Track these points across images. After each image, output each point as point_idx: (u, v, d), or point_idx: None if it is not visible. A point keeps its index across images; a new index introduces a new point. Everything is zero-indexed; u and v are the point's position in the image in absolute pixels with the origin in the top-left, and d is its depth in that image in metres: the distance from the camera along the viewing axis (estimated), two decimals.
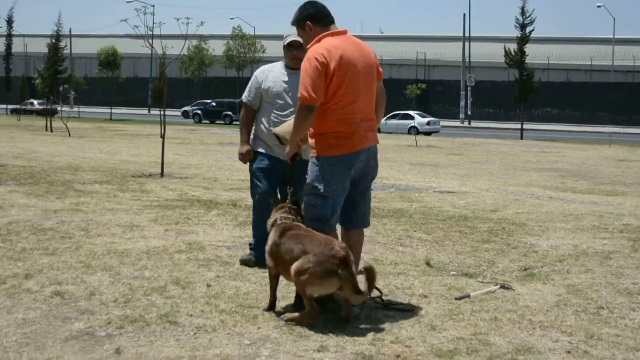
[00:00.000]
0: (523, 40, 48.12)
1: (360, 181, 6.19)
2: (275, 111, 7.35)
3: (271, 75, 7.45)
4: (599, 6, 69.91)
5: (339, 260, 5.34)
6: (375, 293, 5.85)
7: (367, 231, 6.67)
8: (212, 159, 21.46)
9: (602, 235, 9.39)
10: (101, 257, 7.43)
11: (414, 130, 50.14)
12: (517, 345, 5.15)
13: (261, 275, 6.83)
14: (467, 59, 63.83)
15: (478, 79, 64.25)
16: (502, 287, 6.76)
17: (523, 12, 48.09)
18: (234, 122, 59.23)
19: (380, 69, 6.30)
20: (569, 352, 5.09)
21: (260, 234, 7.17)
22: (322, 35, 6.09)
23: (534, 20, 48.03)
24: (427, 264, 7.91)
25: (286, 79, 7.36)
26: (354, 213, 6.27)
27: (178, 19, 18.76)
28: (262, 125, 7.46)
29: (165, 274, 6.86)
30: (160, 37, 19.47)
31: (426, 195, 14.05)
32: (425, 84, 59.56)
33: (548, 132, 56.06)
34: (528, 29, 47.99)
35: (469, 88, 61.81)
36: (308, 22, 6.20)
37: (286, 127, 6.71)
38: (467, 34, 63.36)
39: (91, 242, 8.16)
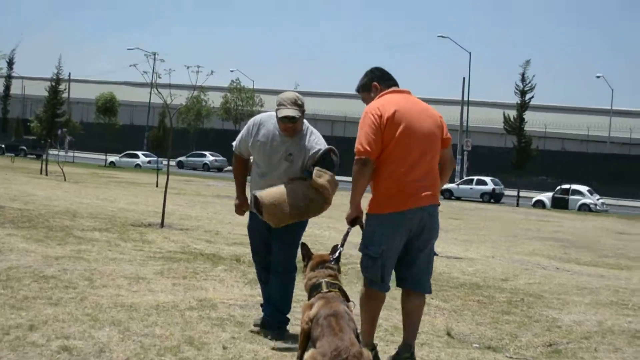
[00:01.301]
0: (522, 107, 48.27)
1: (415, 241, 5.94)
2: (258, 175, 6.93)
3: (263, 130, 6.85)
4: (597, 76, 70.20)
5: None
6: None
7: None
8: (212, 212, 21.09)
9: (624, 312, 9.05)
10: (108, 311, 7.04)
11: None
12: None
13: (278, 343, 6.49)
14: (464, 123, 63.85)
15: (474, 144, 64.21)
16: None
17: (523, 79, 48.31)
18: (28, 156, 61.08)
19: (449, 135, 6.15)
20: None
21: (266, 295, 7.07)
22: (383, 93, 6.05)
23: (534, 87, 48.27)
24: (448, 334, 7.56)
25: (277, 140, 6.75)
26: (409, 273, 6.02)
27: (188, 67, 18.50)
28: (253, 181, 7.07)
29: (178, 332, 6.47)
30: (168, 86, 19.16)
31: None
32: None
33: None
34: (528, 96, 48.14)
35: (465, 152, 61.71)
36: (375, 83, 6.17)
37: (273, 193, 6.47)
38: (465, 98, 63.47)
39: (96, 294, 7.77)
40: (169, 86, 18.06)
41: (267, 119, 6.91)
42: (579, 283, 11.85)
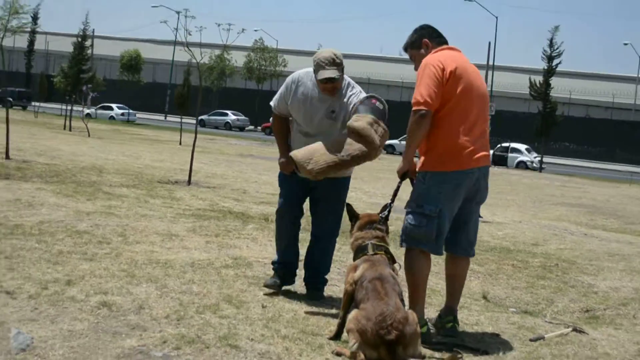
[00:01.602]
0: (549, 72, 47.76)
1: (469, 203, 5.78)
2: (300, 134, 6.65)
3: (302, 88, 6.56)
4: (625, 44, 69.50)
5: (382, 341, 4.81)
6: None
7: None
8: (237, 170, 21.03)
9: None
10: (144, 267, 6.99)
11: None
12: None
13: (315, 302, 6.46)
14: (489, 88, 63.33)
15: (499, 109, 63.74)
16: (575, 330, 6.31)
17: (551, 44, 47.73)
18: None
19: None
20: None
21: (283, 254, 6.83)
22: (437, 50, 5.83)
23: (561, 52, 47.75)
24: (485, 297, 7.47)
25: (317, 98, 6.46)
26: (461, 237, 5.86)
27: (219, 25, 18.32)
28: (294, 140, 6.73)
29: (215, 290, 6.42)
30: (197, 44, 18.98)
31: None
32: None
33: (566, 166, 55.59)
34: (555, 62, 47.61)
35: (489, 117, 61.34)
36: (425, 40, 5.95)
37: (307, 153, 6.18)
38: (491, 63, 62.90)
39: (131, 250, 7.72)
40: (200, 45, 17.86)
41: (305, 76, 6.61)
42: (610, 249, 11.72)
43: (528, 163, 49.90)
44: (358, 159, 6.10)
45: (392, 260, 5.53)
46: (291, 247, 6.87)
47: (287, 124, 6.81)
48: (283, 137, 6.82)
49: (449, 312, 5.88)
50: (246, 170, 21.45)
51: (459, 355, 5.18)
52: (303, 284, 6.88)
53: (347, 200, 6.49)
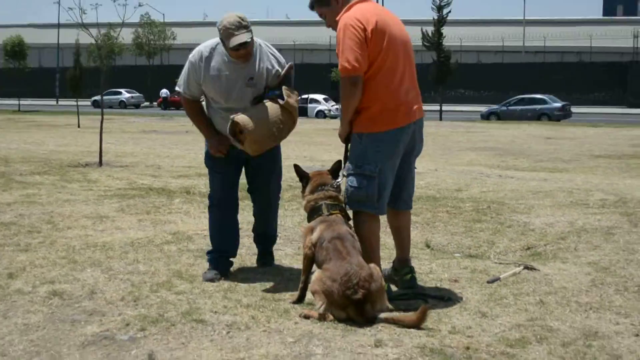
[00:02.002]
0: (440, 22, 48.23)
1: (407, 158, 5.62)
2: (221, 112, 6.11)
3: (212, 62, 6.00)
4: None
5: (350, 301, 4.77)
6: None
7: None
8: (145, 147, 20.64)
9: (590, 212, 9.09)
10: (82, 252, 6.77)
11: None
12: (582, 330, 4.76)
13: (264, 269, 6.38)
14: None
15: None
16: (526, 267, 6.37)
17: None
18: None
19: None
20: (637, 335, 4.70)
21: (221, 244, 6.29)
22: (352, 4, 5.51)
23: (450, 2, 48.14)
24: (428, 246, 7.51)
25: (231, 68, 5.97)
26: (402, 192, 5.71)
27: (115, 0, 17.80)
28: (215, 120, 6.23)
29: (162, 267, 6.26)
30: (81, 25, 18.39)
31: None
32: None
33: (465, 112, 56.41)
34: (445, 11, 48.06)
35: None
36: None
37: (249, 118, 5.82)
38: None
39: (64, 236, 7.47)
40: (97, 25, 17.35)
41: (210, 49, 6.01)
42: (531, 188, 11.89)
43: (326, 112, 51.74)
44: (286, 134, 6.12)
45: (347, 218, 5.43)
46: (232, 235, 6.40)
47: (201, 105, 6.25)
48: (203, 118, 6.23)
49: (404, 264, 5.81)
50: (154, 146, 21.08)
51: (427, 305, 5.15)
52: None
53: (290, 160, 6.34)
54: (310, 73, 69.06)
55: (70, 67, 62.88)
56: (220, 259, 6.22)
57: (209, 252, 6.30)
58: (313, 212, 5.46)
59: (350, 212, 5.51)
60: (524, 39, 68.56)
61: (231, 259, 6.32)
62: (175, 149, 19.48)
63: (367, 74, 5.32)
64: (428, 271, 6.33)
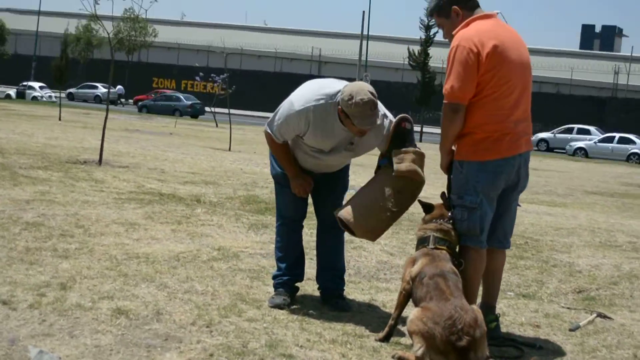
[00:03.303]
0: (427, 42, 48.18)
1: (509, 192, 5.26)
2: (309, 150, 5.68)
3: (320, 124, 5.45)
4: (497, 13, 70.57)
5: (453, 348, 4.43)
6: None
7: (387, 239, 5.64)
8: (138, 147, 20.12)
9: (629, 255, 8.87)
10: (127, 263, 6.39)
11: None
12: None
13: None
14: (363, 58, 63.56)
15: (373, 79, 64.11)
16: (599, 315, 6.09)
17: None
18: None
19: None
20: None
21: (291, 267, 5.87)
22: (471, 19, 5.16)
23: None
24: None
25: (340, 132, 5.48)
26: (499, 230, 5.32)
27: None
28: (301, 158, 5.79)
29: (220, 288, 5.90)
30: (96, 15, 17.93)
31: None
32: None
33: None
34: (432, 31, 47.99)
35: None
36: (455, 7, 5.24)
37: (353, 208, 5.41)
38: (365, 32, 63.09)
39: (100, 243, 7.07)
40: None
41: (320, 112, 5.42)
42: (549, 223, 11.65)
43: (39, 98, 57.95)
44: (411, 202, 5.58)
45: (454, 257, 5.08)
46: (300, 257, 6.04)
47: (288, 145, 5.74)
48: (290, 157, 5.75)
49: (489, 310, 5.36)
50: (147, 147, 20.58)
51: (521, 355, 4.86)
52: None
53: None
54: (291, 83, 68.90)
55: (49, 56, 62.04)
56: (288, 283, 5.84)
57: (276, 276, 5.89)
58: (420, 242, 5.13)
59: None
60: None
61: (297, 284, 5.94)
62: (170, 152, 19.03)
63: (475, 98, 5.00)
64: (503, 313, 6.00)
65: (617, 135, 47.74)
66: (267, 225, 8.57)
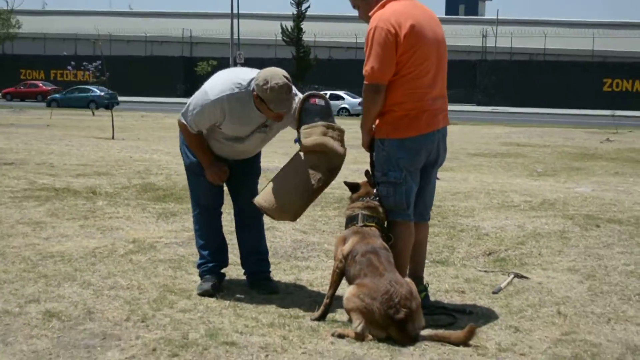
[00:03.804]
0: (299, 17, 48.33)
1: (430, 168, 5.37)
2: (223, 140, 5.67)
3: (236, 112, 5.46)
4: None
5: (392, 321, 4.54)
6: None
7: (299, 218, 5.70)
8: (21, 143, 19.43)
9: (530, 215, 9.14)
10: (45, 264, 6.24)
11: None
12: (624, 344, 4.70)
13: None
14: (235, 36, 63.14)
15: (246, 56, 63.85)
16: (517, 276, 6.30)
17: None
18: None
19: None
20: None
21: (214, 254, 5.83)
22: (387, 0, 5.21)
23: None
24: None
25: (255, 118, 5.53)
26: (421, 203, 5.42)
27: None
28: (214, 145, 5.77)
29: (145, 280, 5.84)
30: None
31: None
32: (216, 60, 58.24)
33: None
34: (304, 6, 48.18)
35: (238, 65, 61.17)
36: None
37: (272, 197, 5.43)
38: (235, 11, 62.67)
39: (9, 245, 6.88)
40: None
41: (236, 101, 5.43)
42: (444, 188, 11.86)
43: None
44: (330, 178, 5.57)
45: (383, 232, 5.15)
46: (223, 244, 6.01)
47: (202, 136, 5.69)
48: (204, 146, 5.71)
49: (418, 280, 5.41)
50: (29, 141, 19.97)
51: (454, 321, 4.99)
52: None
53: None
54: (163, 66, 68.20)
55: None
56: (214, 269, 5.81)
57: (201, 264, 5.85)
58: (349, 221, 5.19)
59: None
60: None
61: (223, 270, 5.92)
62: (54, 145, 18.54)
63: (393, 77, 5.07)
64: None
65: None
66: (176, 213, 8.50)
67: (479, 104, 64.59)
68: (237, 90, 5.43)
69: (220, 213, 6.04)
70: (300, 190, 5.43)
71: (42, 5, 77.97)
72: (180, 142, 5.92)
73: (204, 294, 5.52)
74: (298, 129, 5.50)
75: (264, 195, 5.49)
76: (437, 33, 5.28)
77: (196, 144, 5.69)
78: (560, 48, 69.78)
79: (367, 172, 5.43)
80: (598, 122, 39.88)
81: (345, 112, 45.96)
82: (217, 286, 5.65)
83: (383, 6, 5.20)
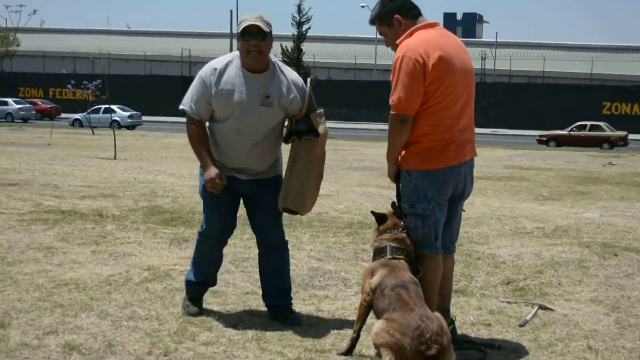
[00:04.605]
0: (300, 38, 48.40)
1: (457, 200, 5.28)
2: (232, 133, 5.58)
3: (225, 77, 5.50)
4: (362, 6, 71.13)
5: (423, 358, 4.40)
6: None
7: (311, 244, 5.64)
8: (23, 162, 19.35)
9: (545, 242, 9.02)
10: (59, 292, 6.12)
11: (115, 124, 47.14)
12: None
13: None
14: None
15: None
16: (541, 307, 6.19)
17: (300, 11, 48.36)
18: None
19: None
20: None
21: (205, 277, 5.89)
22: (415, 28, 5.14)
23: (310, 18, 48.45)
24: None
25: (247, 82, 5.50)
26: (447, 236, 5.32)
27: (8, 7, 16.77)
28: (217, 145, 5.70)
29: (163, 310, 5.72)
30: None
31: None
32: None
33: None
34: (305, 27, 48.25)
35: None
36: (397, 16, 5.21)
37: (300, 197, 5.58)
38: (234, 31, 62.72)
39: (22, 272, 6.75)
40: None
41: (223, 63, 5.53)
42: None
43: None
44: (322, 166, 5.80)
45: (412, 265, 5.04)
46: (216, 269, 6.03)
47: (206, 130, 5.68)
48: (206, 145, 5.63)
49: (445, 314, 5.27)
50: (31, 160, 19.86)
51: (484, 356, 4.88)
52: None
53: None
54: (162, 85, 68.07)
55: None
56: (201, 290, 5.94)
57: (191, 283, 5.88)
58: (376, 253, 5.08)
59: None
60: (376, 57, 69.37)
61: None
62: (57, 165, 18.41)
63: (421, 107, 4.98)
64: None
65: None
66: (187, 239, 8.37)
67: (478, 126, 64.40)
68: (224, 60, 5.60)
69: (226, 241, 5.98)
70: (318, 181, 5.70)
71: (40, 23, 77.90)
72: (200, 172, 5.78)
73: (191, 314, 5.67)
74: (304, 117, 5.56)
75: (292, 199, 5.56)
76: (465, 63, 5.19)
77: (197, 138, 5.61)
78: (559, 71, 70.05)
79: (393, 204, 5.34)
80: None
81: (117, 124, 45.78)
82: (198, 310, 5.79)
83: (411, 34, 5.13)
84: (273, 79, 5.57)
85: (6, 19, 76.33)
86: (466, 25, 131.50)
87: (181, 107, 5.62)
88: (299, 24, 48.39)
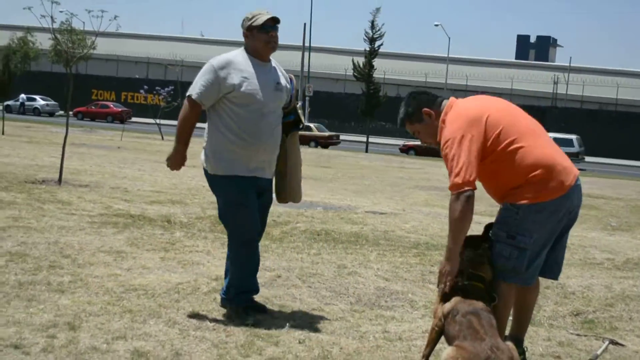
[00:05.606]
0: (372, 54, 48.36)
1: (567, 227, 5.06)
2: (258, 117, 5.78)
3: (238, 66, 5.78)
4: (436, 25, 70.98)
5: None
6: None
7: (378, 263, 5.57)
8: (94, 164, 19.75)
9: (616, 274, 8.88)
10: (127, 297, 6.17)
11: None
12: None
13: (345, 326, 5.84)
14: (305, 69, 63.49)
15: (315, 89, 64.16)
16: (611, 342, 6.05)
17: (373, 26, 48.31)
18: None
19: None
20: None
21: (250, 283, 6.03)
22: (449, 104, 5.04)
23: (383, 34, 48.38)
24: None
25: (260, 70, 5.82)
26: (552, 259, 5.13)
27: (90, 11, 17.06)
28: (231, 137, 5.85)
29: (229, 322, 5.74)
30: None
31: (363, 216, 13.12)
32: None
33: (387, 145, 56.50)
34: (377, 43, 48.23)
35: (307, 98, 61.42)
36: (425, 109, 5.10)
37: (299, 186, 6.52)
38: (307, 44, 63.04)
39: (92, 275, 6.83)
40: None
41: (234, 55, 5.88)
42: None
43: None
44: None
45: (488, 292, 4.93)
46: (256, 271, 6.21)
47: (197, 118, 5.98)
48: (191, 130, 5.99)
49: (517, 343, 5.17)
50: (102, 163, 20.22)
51: None
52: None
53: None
54: None
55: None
56: (252, 299, 6.07)
57: (241, 293, 5.97)
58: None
59: None
60: (447, 76, 69.15)
61: None
62: (127, 169, 18.71)
63: (492, 155, 4.84)
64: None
65: None
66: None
67: None
68: (230, 53, 5.97)
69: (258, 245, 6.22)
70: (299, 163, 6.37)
71: (116, 28, 78.91)
72: (208, 179, 6.10)
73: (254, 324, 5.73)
74: (292, 108, 6.18)
75: (292, 197, 6.30)
76: (506, 103, 5.15)
77: (192, 123, 5.95)
78: (633, 99, 69.00)
79: (488, 226, 5.16)
80: None
81: None
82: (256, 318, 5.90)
83: (450, 107, 5.02)
84: (276, 69, 6.06)
85: (84, 22, 77.30)
86: (539, 48, 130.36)
87: (189, 93, 5.87)
88: (372, 40, 48.22)
